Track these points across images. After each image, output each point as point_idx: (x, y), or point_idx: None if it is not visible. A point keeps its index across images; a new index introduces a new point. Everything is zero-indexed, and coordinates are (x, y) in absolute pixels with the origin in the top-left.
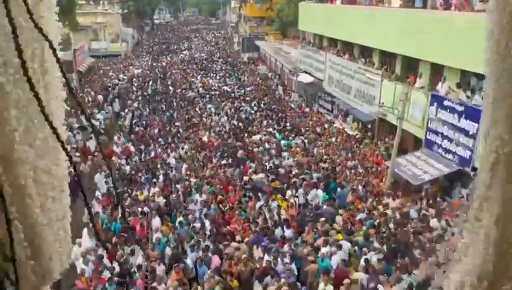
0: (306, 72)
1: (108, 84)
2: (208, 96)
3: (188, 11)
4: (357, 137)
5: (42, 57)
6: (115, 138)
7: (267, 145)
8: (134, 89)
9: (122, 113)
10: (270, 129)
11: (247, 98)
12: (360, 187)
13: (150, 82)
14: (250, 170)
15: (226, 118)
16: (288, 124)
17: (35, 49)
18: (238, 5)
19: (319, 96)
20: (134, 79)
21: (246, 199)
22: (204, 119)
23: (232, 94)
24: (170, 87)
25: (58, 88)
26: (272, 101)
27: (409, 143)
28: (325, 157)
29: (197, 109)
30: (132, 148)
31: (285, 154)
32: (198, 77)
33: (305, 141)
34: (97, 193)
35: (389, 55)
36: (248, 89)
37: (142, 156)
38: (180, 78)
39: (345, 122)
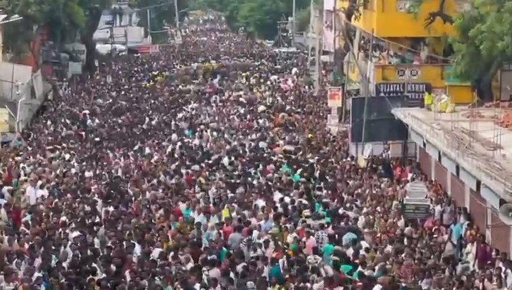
0: None
1: None
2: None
3: (196, 17)
4: None
5: None
6: None
7: None
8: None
9: None
10: None
11: None
12: None
13: (72, 232)
14: None
15: None
16: None
17: None
18: (342, 6)
19: None
20: (25, 221)
21: None
22: None
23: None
24: (134, 249)
25: None
26: None
27: None
28: None
29: None
30: None
31: None
32: (214, 219)
33: None
34: None
35: None
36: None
37: None
38: (160, 218)
39: None
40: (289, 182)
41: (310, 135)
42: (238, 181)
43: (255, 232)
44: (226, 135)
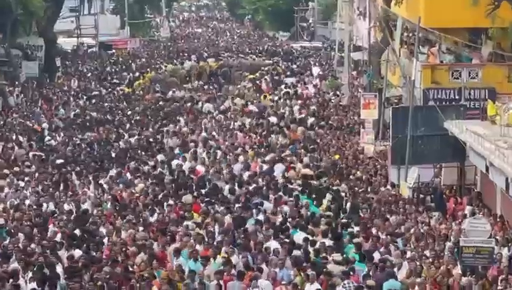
0: None
1: None
2: None
3: (189, 3)
4: None
5: None
6: None
7: None
8: None
9: None
10: None
11: None
12: None
13: None
14: None
15: None
16: None
17: None
18: None
19: None
20: None
21: None
22: None
23: None
24: None
25: None
26: None
27: None
28: None
29: None
30: None
31: None
32: (213, 266)
33: None
34: None
35: None
36: None
37: None
38: (140, 265)
39: None
40: (309, 217)
41: (336, 156)
42: (242, 215)
43: (264, 282)
44: (227, 156)
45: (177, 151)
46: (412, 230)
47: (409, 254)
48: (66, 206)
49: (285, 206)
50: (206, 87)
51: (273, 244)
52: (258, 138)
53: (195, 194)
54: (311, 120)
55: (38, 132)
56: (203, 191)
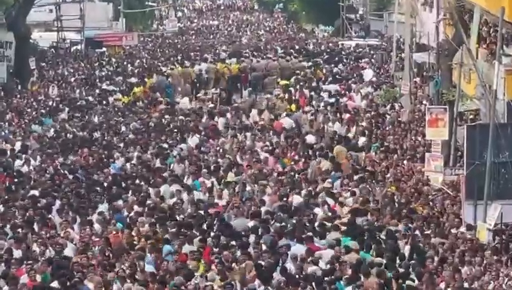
0: None
1: None
2: None
3: None
4: None
5: None
6: None
7: None
8: None
9: None
10: None
11: None
12: None
13: None
14: None
15: None
16: None
17: None
18: None
19: None
20: None
21: None
22: None
23: None
24: None
25: None
26: None
27: None
28: None
29: None
30: None
31: None
32: None
33: None
34: None
35: None
36: None
37: None
38: None
39: None
40: (358, 266)
41: (393, 188)
42: (269, 262)
43: None
44: (248, 187)
45: (187, 180)
46: (492, 286)
47: None
48: (41, 251)
49: (328, 251)
50: (223, 95)
51: None
52: (295, 162)
53: (207, 237)
54: (361, 140)
55: (6, 153)
56: (216, 232)
